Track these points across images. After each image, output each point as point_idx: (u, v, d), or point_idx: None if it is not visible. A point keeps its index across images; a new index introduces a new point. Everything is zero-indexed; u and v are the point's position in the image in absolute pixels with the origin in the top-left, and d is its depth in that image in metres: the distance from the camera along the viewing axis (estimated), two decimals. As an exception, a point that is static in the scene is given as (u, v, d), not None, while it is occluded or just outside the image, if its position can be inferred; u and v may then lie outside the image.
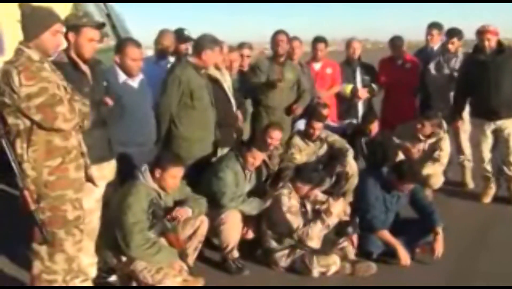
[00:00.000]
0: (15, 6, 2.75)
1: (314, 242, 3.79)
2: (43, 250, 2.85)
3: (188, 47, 4.76)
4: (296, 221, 3.83)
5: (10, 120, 2.67)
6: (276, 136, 4.46)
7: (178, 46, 4.91)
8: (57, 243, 2.83)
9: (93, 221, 3.35)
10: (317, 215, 3.94)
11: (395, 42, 5.96)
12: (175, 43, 4.96)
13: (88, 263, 3.39)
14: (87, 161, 2.95)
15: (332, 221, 3.84)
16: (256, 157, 4.07)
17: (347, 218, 4.09)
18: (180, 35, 4.92)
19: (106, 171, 3.38)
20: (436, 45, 5.93)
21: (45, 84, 2.62)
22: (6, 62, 2.66)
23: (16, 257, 3.98)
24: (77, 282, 3.16)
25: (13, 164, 2.65)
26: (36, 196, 2.71)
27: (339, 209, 3.92)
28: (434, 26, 5.95)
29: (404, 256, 3.89)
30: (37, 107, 2.60)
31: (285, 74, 5.15)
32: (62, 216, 2.81)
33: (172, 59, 4.88)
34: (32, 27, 2.67)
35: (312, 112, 4.98)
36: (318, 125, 4.84)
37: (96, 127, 3.11)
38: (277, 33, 5.18)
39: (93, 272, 3.45)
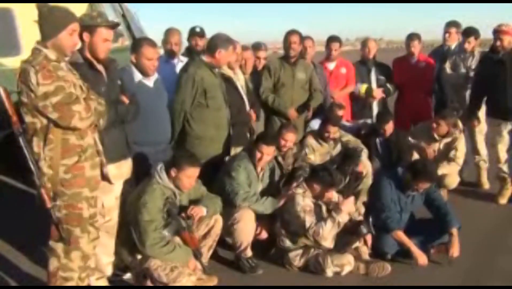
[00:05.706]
0: (32, 6, 2.78)
1: (328, 242, 3.77)
2: (59, 247, 2.88)
3: (204, 43, 4.81)
4: (309, 220, 3.81)
5: (27, 119, 2.70)
6: (290, 139, 4.45)
7: (195, 43, 4.98)
8: (73, 240, 2.87)
9: (113, 218, 3.39)
10: (329, 214, 3.92)
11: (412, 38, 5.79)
12: (189, 40, 5.02)
13: (108, 261, 3.43)
14: (103, 159, 2.97)
15: (342, 218, 3.79)
16: (263, 152, 4.01)
17: (361, 218, 4.07)
18: (192, 32, 5.02)
19: (124, 169, 3.41)
20: (453, 44, 5.83)
21: (61, 83, 2.65)
22: (23, 61, 2.69)
23: (33, 254, 4.03)
24: (92, 280, 3.20)
25: (30, 162, 2.68)
26: (53, 193, 2.75)
27: (349, 207, 3.89)
28: (452, 24, 5.86)
29: (419, 255, 3.86)
30: (54, 106, 2.63)
31: (297, 74, 5.13)
32: (78, 214, 2.84)
33: (183, 58, 4.91)
34: (49, 27, 2.70)
35: (328, 116, 4.96)
36: (333, 129, 4.83)
37: (114, 126, 3.14)
38: (290, 33, 5.13)
39: (109, 270, 3.49)
